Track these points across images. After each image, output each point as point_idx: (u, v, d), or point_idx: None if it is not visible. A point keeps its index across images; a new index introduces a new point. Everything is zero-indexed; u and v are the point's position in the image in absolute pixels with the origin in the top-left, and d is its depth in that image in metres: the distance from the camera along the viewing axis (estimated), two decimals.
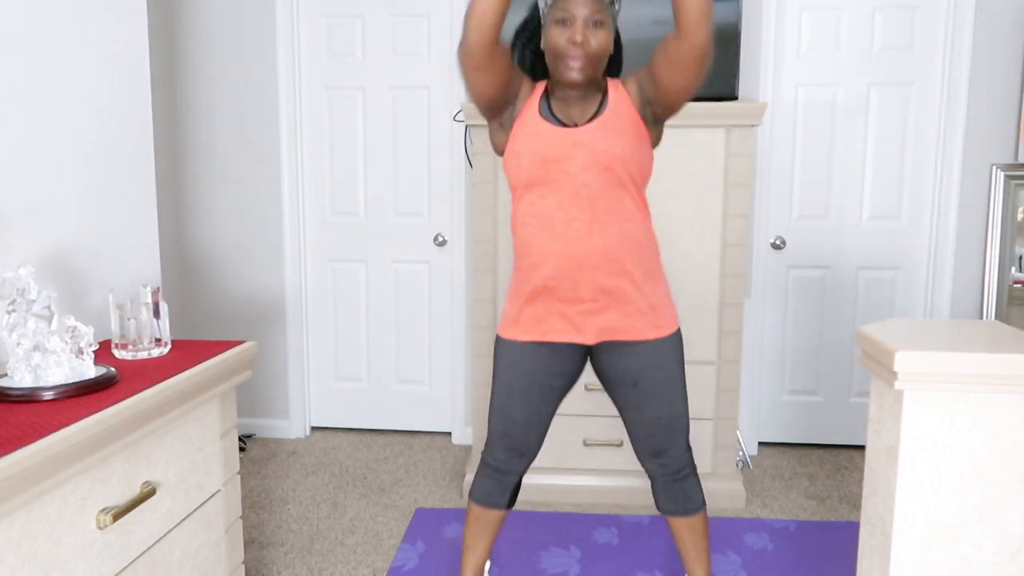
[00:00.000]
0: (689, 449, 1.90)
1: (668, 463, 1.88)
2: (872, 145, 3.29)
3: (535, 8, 1.82)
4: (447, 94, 3.42)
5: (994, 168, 3.20)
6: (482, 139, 2.79)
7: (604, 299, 1.76)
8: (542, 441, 1.93)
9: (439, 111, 3.43)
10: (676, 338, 1.83)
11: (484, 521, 1.98)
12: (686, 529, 1.94)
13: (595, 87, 1.74)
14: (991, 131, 3.19)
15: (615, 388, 1.86)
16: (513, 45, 1.91)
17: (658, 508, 1.95)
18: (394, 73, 3.43)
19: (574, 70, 1.65)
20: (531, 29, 1.89)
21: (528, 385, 1.84)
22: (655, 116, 1.76)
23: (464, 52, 1.60)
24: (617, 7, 1.71)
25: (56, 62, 1.74)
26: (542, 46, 1.74)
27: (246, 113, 3.46)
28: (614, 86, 1.76)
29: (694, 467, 1.92)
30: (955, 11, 3.14)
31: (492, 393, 1.90)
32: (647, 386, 1.82)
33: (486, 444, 1.93)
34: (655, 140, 1.80)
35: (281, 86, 3.41)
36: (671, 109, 1.71)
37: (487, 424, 1.93)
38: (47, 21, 1.72)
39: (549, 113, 1.74)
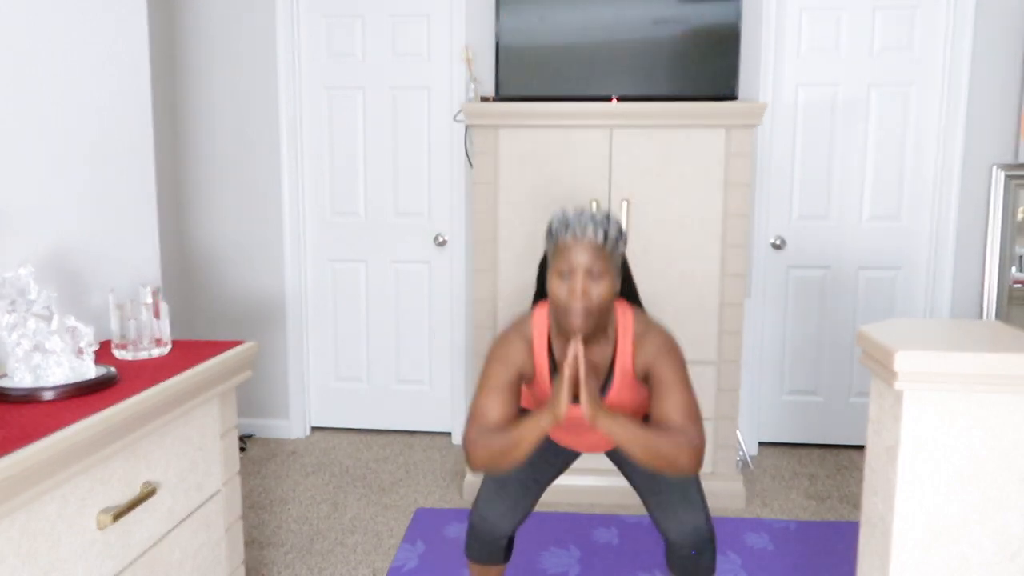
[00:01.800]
0: (709, 519, 1.82)
1: (685, 524, 1.80)
2: (872, 145, 3.29)
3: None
4: (447, 94, 3.42)
5: (994, 168, 3.20)
6: (482, 139, 2.79)
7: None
8: (531, 507, 1.90)
9: (439, 111, 3.43)
10: None
11: (487, 572, 1.98)
12: None
13: (602, 337, 1.70)
14: (991, 131, 3.19)
15: (625, 462, 1.91)
16: (540, 280, 1.94)
17: (668, 567, 1.88)
18: (394, 73, 3.43)
19: (576, 324, 1.59)
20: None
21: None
22: None
23: (472, 466, 1.61)
24: (622, 246, 1.65)
25: (56, 62, 1.74)
26: (547, 288, 1.70)
27: (246, 113, 3.46)
28: (623, 347, 1.70)
29: (713, 538, 1.83)
30: (955, 11, 3.14)
31: None
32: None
33: (475, 502, 1.91)
34: None
35: (281, 86, 3.41)
36: None
37: (481, 481, 1.93)
38: (47, 21, 1.71)
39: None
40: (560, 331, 1.66)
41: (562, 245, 1.59)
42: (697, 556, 1.81)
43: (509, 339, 1.70)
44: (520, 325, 1.73)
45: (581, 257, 1.57)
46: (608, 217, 1.62)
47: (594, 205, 1.66)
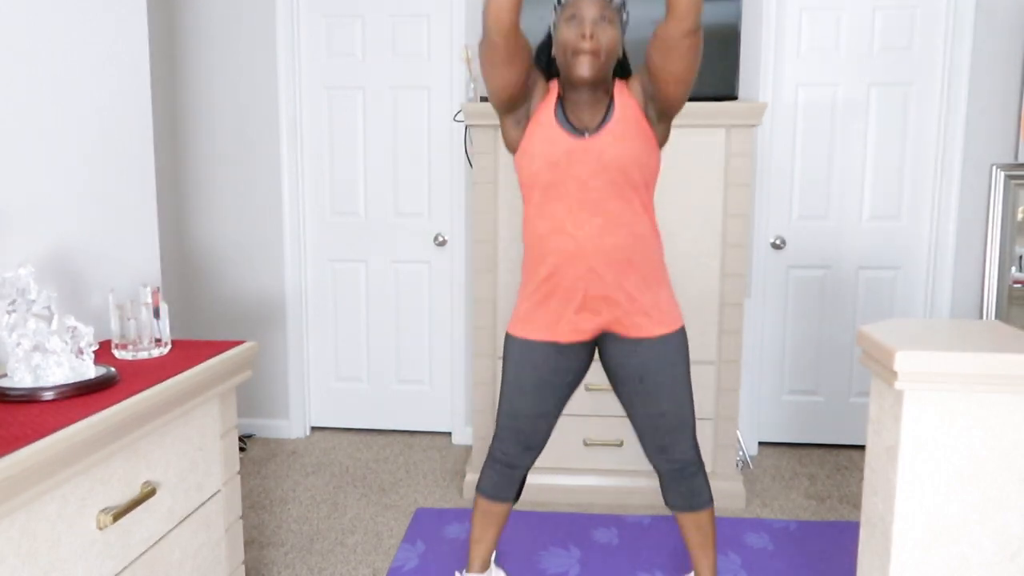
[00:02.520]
0: (696, 446, 1.93)
1: (675, 459, 1.91)
2: (872, 145, 3.29)
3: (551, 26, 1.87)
4: (447, 94, 3.42)
5: (994, 168, 3.20)
6: (482, 139, 2.79)
7: (612, 297, 1.80)
8: (549, 435, 1.97)
9: (439, 111, 3.43)
10: (681, 335, 1.87)
11: (491, 514, 2.03)
12: (693, 525, 1.97)
13: (603, 90, 1.78)
14: (991, 131, 3.19)
15: (621, 384, 1.90)
16: (537, 61, 1.94)
17: (666, 503, 1.99)
18: (394, 73, 3.43)
19: (584, 65, 1.68)
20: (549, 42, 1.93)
21: (537, 381, 1.89)
22: (659, 113, 1.78)
23: (488, 47, 1.64)
24: (625, 17, 1.75)
25: (56, 62, 1.74)
26: (554, 51, 1.78)
27: (246, 113, 3.46)
28: (620, 89, 1.79)
29: (701, 464, 1.95)
30: (955, 11, 3.14)
31: (501, 390, 1.94)
32: (652, 382, 1.85)
33: (494, 438, 1.97)
34: (661, 140, 1.83)
35: (281, 86, 3.41)
36: (672, 103, 1.73)
37: (496, 418, 1.98)
38: (47, 21, 1.71)
39: (563, 117, 1.78)
40: (568, 81, 1.74)
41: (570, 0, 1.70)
42: (684, 483, 1.92)
43: None
44: None
45: (589, 5, 1.67)
46: None
47: None
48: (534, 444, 1.95)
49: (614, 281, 1.78)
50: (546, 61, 1.91)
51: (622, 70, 1.90)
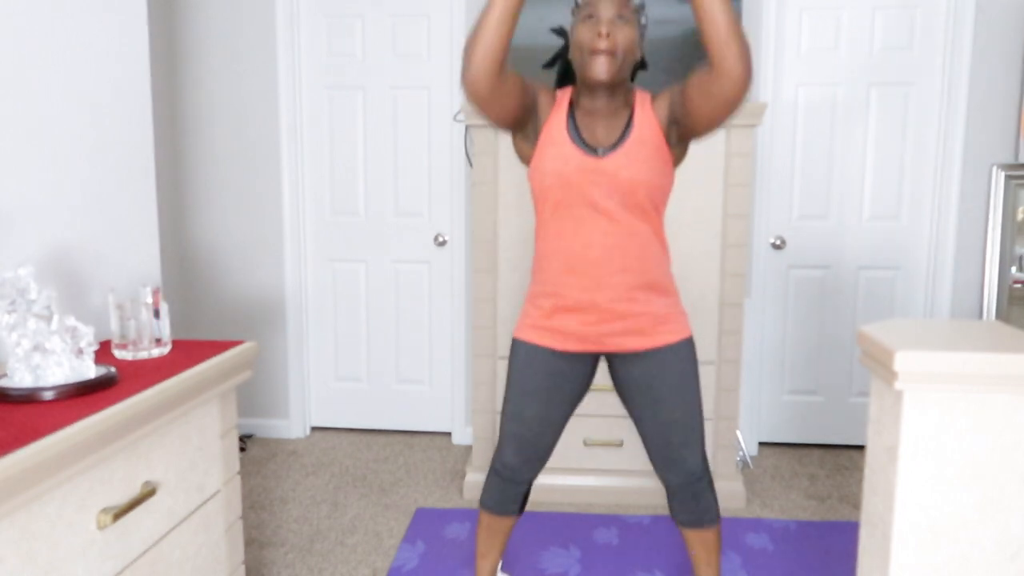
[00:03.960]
0: (705, 459, 1.87)
1: (684, 473, 1.86)
2: (872, 145, 3.29)
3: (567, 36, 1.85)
4: (447, 94, 3.42)
5: (994, 168, 3.20)
6: (482, 139, 2.79)
7: (620, 314, 1.78)
8: (553, 447, 1.92)
9: (439, 111, 3.43)
10: (689, 345, 1.83)
11: (495, 528, 2.00)
12: (699, 542, 1.93)
13: (622, 100, 1.73)
14: (991, 131, 3.19)
15: (631, 396, 1.87)
16: (554, 62, 1.92)
17: (673, 518, 1.94)
18: (394, 73, 3.43)
19: (600, 66, 1.63)
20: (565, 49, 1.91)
21: (543, 387, 1.85)
22: (680, 137, 1.73)
23: (467, 87, 1.57)
24: (644, 20, 1.71)
25: (56, 62, 1.74)
26: (570, 53, 1.74)
27: (246, 113, 3.46)
28: (642, 104, 1.74)
29: (710, 479, 1.89)
30: (955, 11, 3.14)
31: (506, 395, 1.90)
32: (660, 390, 1.81)
33: (496, 450, 1.93)
34: (678, 160, 1.80)
35: (281, 86, 3.41)
36: (699, 135, 1.68)
37: (499, 425, 1.93)
38: (47, 21, 1.72)
39: (575, 132, 1.73)
40: (584, 85, 1.71)
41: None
42: (692, 499, 1.87)
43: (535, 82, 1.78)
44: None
45: (606, 4, 1.65)
46: None
47: None
48: (537, 456, 1.89)
49: (621, 295, 1.76)
50: (563, 69, 1.88)
51: (641, 68, 1.86)
